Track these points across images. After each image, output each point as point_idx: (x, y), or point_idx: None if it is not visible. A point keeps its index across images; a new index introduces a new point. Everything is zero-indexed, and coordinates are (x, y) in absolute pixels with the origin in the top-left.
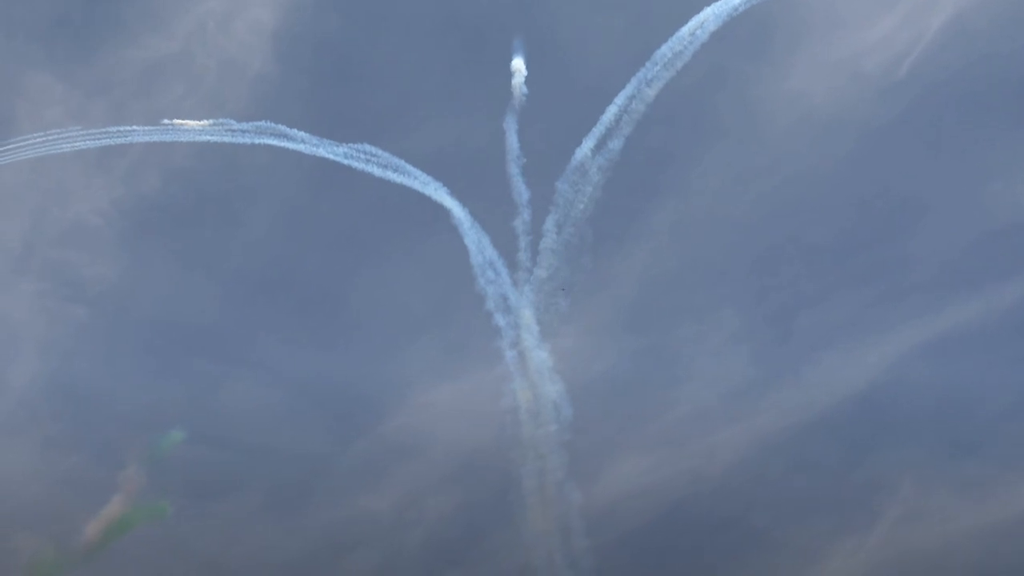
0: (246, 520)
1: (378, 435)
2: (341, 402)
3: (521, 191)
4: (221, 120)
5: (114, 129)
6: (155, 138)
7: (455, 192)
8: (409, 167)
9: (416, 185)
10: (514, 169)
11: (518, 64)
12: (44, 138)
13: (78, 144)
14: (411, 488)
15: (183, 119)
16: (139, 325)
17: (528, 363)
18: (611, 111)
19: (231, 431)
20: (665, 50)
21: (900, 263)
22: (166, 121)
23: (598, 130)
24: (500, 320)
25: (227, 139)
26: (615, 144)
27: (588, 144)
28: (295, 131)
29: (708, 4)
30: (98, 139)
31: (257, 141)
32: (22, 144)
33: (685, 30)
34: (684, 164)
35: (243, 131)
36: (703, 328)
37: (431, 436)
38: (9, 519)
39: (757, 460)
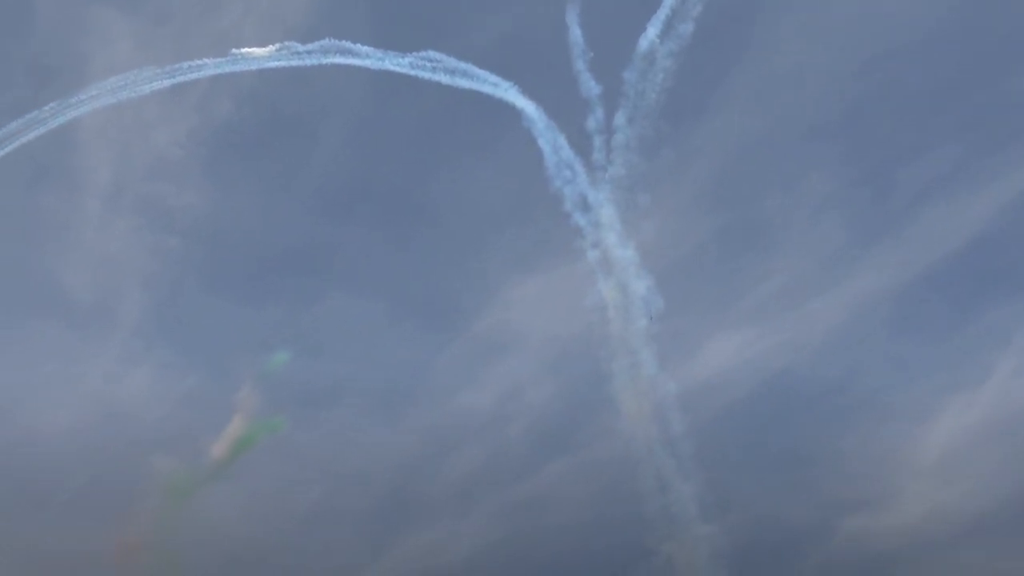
0: (354, 425)
1: (472, 334)
2: (433, 305)
3: (590, 86)
4: (286, 44)
5: (185, 64)
6: (224, 69)
7: (525, 91)
8: (476, 70)
9: (485, 88)
10: (580, 64)
11: None
12: (120, 82)
13: (153, 84)
14: (509, 383)
15: (245, 42)
16: (232, 250)
17: (612, 261)
18: None
19: (332, 343)
20: None
21: (1002, 108)
22: (234, 51)
23: (662, 13)
24: (580, 220)
25: (295, 62)
26: (682, 25)
27: (653, 30)
28: (359, 46)
29: None
30: (171, 76)
31: (323, 61)
32: (101, 90)
33: None
34: (764, 25)
35: (308, 52)
36: (792, 196)
37: (523, 331)
38: (141, 442)
39: (858, 324)
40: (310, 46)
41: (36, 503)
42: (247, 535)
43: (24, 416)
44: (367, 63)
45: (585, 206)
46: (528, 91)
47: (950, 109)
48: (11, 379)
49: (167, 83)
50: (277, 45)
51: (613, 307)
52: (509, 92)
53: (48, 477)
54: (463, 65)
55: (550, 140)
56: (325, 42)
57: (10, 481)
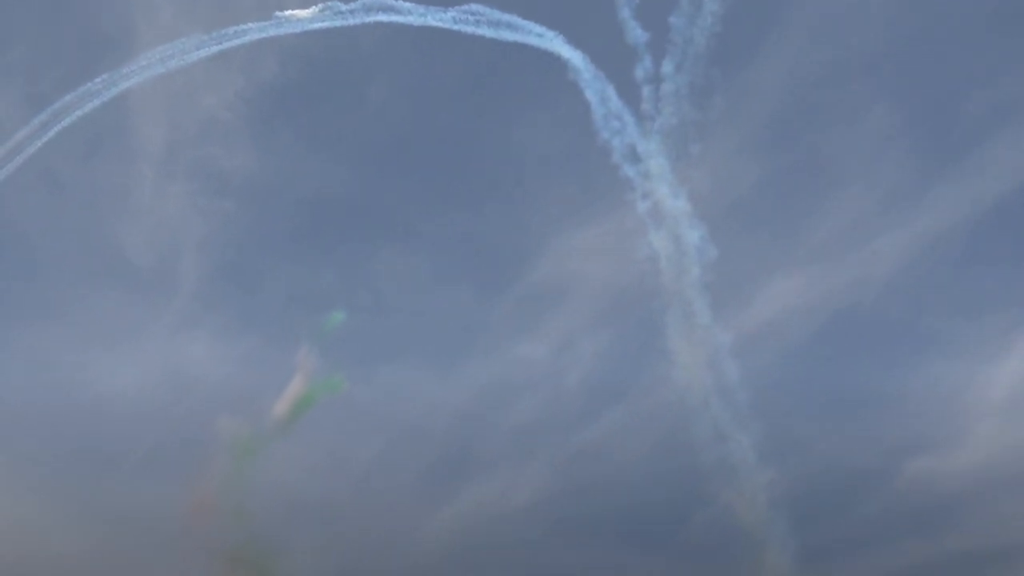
0: (410, 380)
1: (524, 286)
2: (485, 258)
3: (637, 34)
4: (328, 4)
5: (231, 30)
6: (268, 33)
7: (571, 41)
8: (520, 21)
9: (530, 39)
10: (626, 11)
11: None
12: (168, 50)
13: (200, 52)
14: (563, 334)
15: (288, 4)
16: (284, 210)
17: (663, 212)
18: None
19: (386, 299)
20: None
21: None
22: (277, 14)
23: None
24: (630, 171)
25: (338, 23)
26: None
27: None
28: (400, 3)
29: None
30: (217, 43)
31: (366, 20)
32: (149, 60)
33: None
34: None
35: (351, 11)
36: (852, 133)
37: (575, 282)
38: (205, 403)
39: (924, 261)
40: (352, 5)
41: (108, 465)
42: (311, 492)
43: (92, 381)
44: (410, 19)
45: (635, 157)
46: (574, 41)
47: (1017, 32)
48: (78, 345)
49: (213, 49)
50: (320, 6)
51: (665, 258)
52: (554, 42)
53: (118, 439)
54: (507, 17)
55: (597, 90)
56: (367, 0)
57: (82, 444)
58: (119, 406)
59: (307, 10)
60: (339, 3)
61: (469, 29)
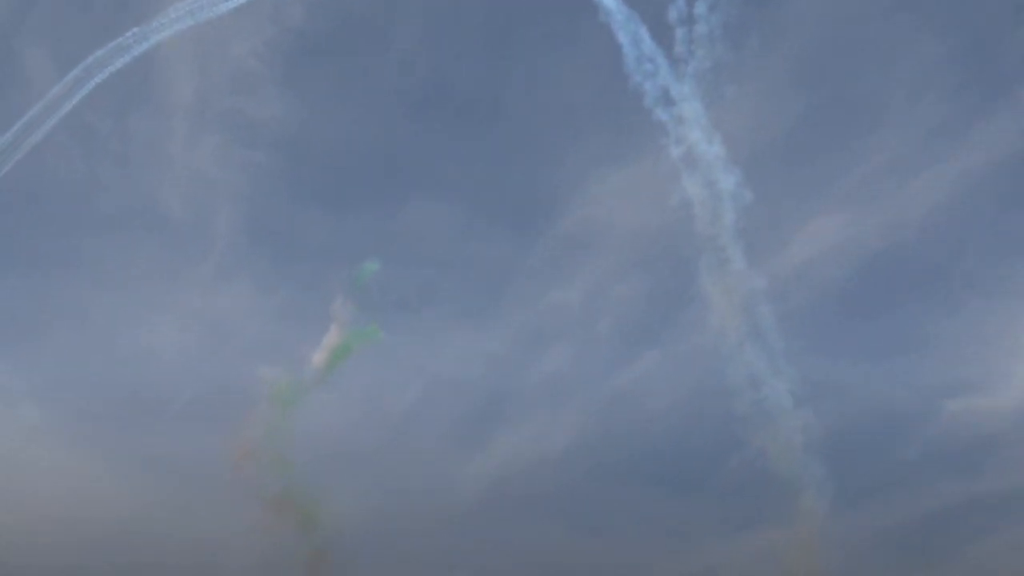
0: (445, 328)
1: (558, 231)
2: (517, 204)
3: None
4: None
5: None
6: None
7: None
8: None
9: None
10: None
11: None
12: (198, 2)
13: (229, 3)
14: (597, 278)
15: None
16: (316, 161)
17: (697, 157)
18: None
19: (420, 248)
20: None
21: None
22: None
23: None
24: (663, 115)
25: None
26: None
27: None
28: None
29: None
30: None
31: None
32: (178, 12)
33: None
34: None
35: None
36: (889, 71)
37: (607, 227)
38: (243, 353)
39: (965, 200)
40: None
41: (152, 415)
42: (349, 439)
43: (132, 333)
44: None
45: (668, 100)
46: None
47: None
48: (118, 298)
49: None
50: None
51: (699, 203)
52: None
53: (160, 390)
54: None
55: (630, 33)
56: None
57: (125, 395)
58: (160, 358)
59: None
60: None
61: None
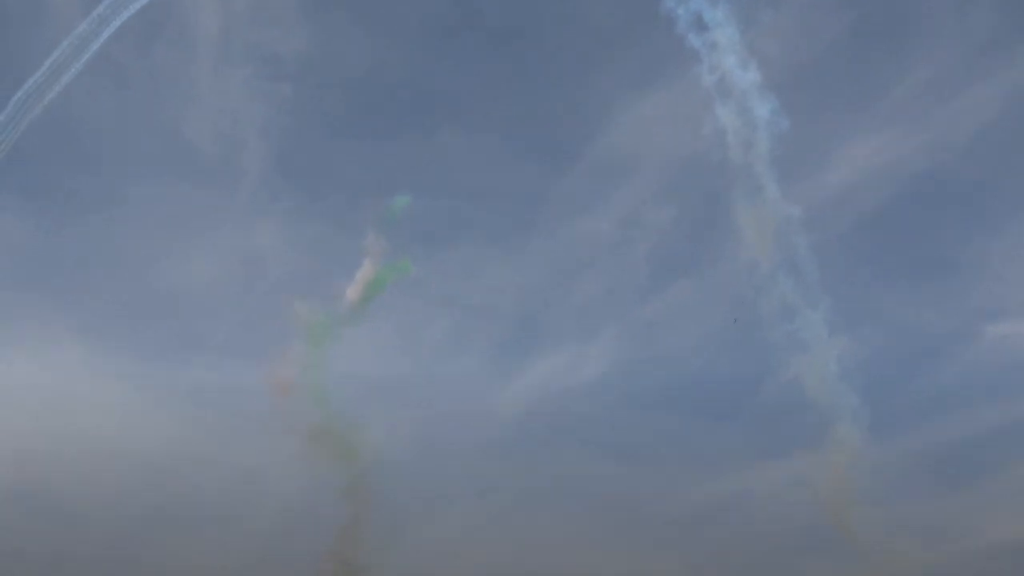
0: (477, 259)
1: (589, 159)
2: (547, 132)
3: None
4: None
5: None
6: None
7: None
8: None
9: None
10: None
11: None
12: None
13: None
14: (628, 206)
15: None
16: (341, 93)
17: (731, 86)
18: None
19: (450, 179)
20: None
21: None
22: None
23: None
24: (695, 41)
25: None
26: None
27: None
28: None
29: None
30: None
31: None
32: None
33: None
34: None
35: None
36: None
37: (639, 154)
38: (278, 288)
39: (1010, 119)
40: None
41: (191, 349)
42: (385, 371)
43: (167, 269)
44: None
45: (701, 26)
46: None
47: None
48: (152, 236)
49: None
50: None
51: (732, 132)
52: None
53: (197, 325)
54: None
55: None
56: None
57: (165, 331)
58: (196, 294)
59: None
60: None
61: None
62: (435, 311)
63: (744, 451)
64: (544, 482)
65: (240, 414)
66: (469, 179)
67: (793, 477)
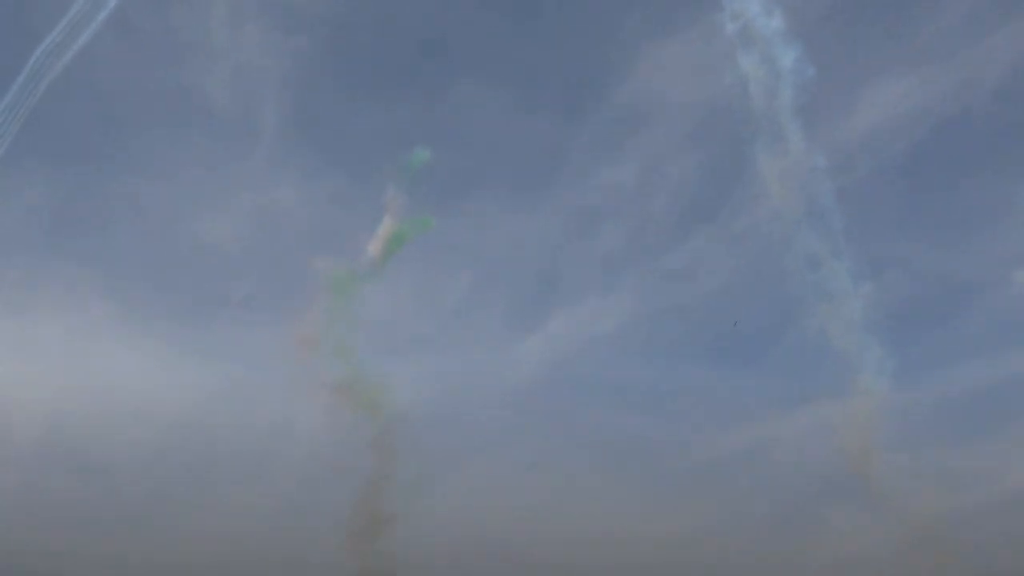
0: (497, 212)
1: (609, 108)
2: (565, 81)
3: None
4: None
5: None
6: None
7: None
8: None
9: None
10: None
11: None
12: None
13: None
14: (650, 156)
15: None
16: (359, 45)
17: (755, 33)
18: None
19: (468, 131)
20: None
21: None
22: None
23: None
24: None
25: None
26: None
27: None
28: None
29: None
30: None
31: None
32: None
33: None
34: None
35: None
36: None
37: (660, 102)
38: (298, 244)
39: None
40: None
41: (214, 305)
42: (407, 326)
43: (188, 227)
44: None
45: None
46: None
47: None
48: (173, 193)
49: None
50: None
51: (755, 81)
52: None
53: (220, 281)
54: None
55: None
56: None
57: (188, 287)
58: (217, 250)
59: None
60: None
61: None
62: (456, 265)
63: (767, 400)
64: (567, 432)
65: (266, 370)
66: (488, 131)
67: (816, 425)
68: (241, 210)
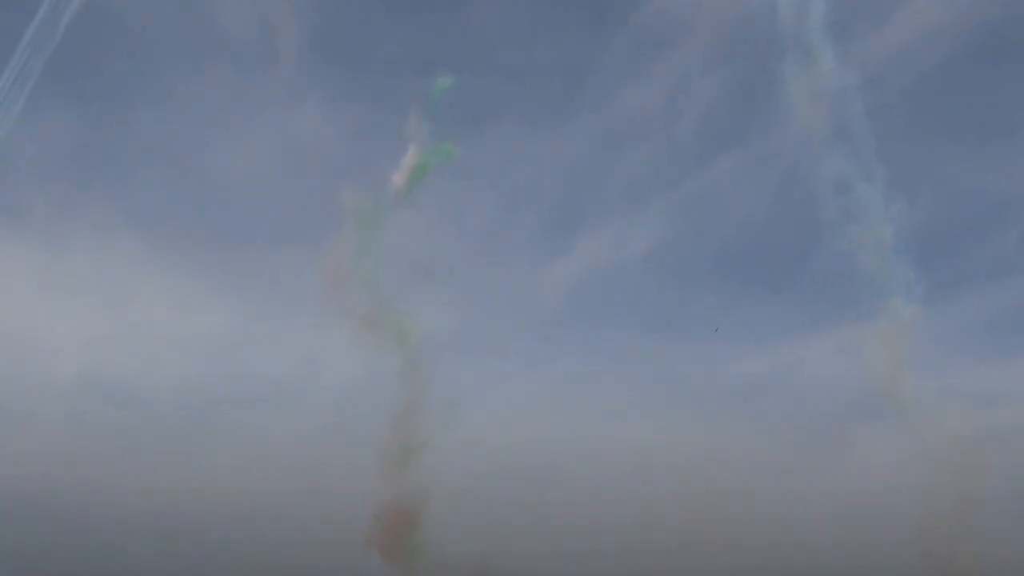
0: (520, 137)
1: (633, 27)
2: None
3: None
4: None
5: None
6: None
7: None
8: None
9: None
10: None
11: None
12: None
13: None
14: (675, 77)
15: None
16: None
17: None
18: None
19: (490, 56)
20: None
21: None
22: None
23: None
24: None
25: None
26: None
27: None
28: None
29: None
30: None
31: None
32: None
33: None
34: None
35: None
36: None
37: (686, 21)
38: (322, 174)
39: None
40: None
41: (242, 237)
42: (433, 255)
43: (210, 158)
44: None
45: None
46: None
47: None
48: (194, 126)
49: None
50: None
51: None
52: None
53: (246, 213)
54: None
55: None
56: None
57: (215, 219)
58: (240, 181)
59: None
60: None
61: None
62: (481, 192)
63: (794, 322)
64: (593, 357)
65: (293, 300)
66: (509, 54)
67: (844, 347)
68: (262, 141)
